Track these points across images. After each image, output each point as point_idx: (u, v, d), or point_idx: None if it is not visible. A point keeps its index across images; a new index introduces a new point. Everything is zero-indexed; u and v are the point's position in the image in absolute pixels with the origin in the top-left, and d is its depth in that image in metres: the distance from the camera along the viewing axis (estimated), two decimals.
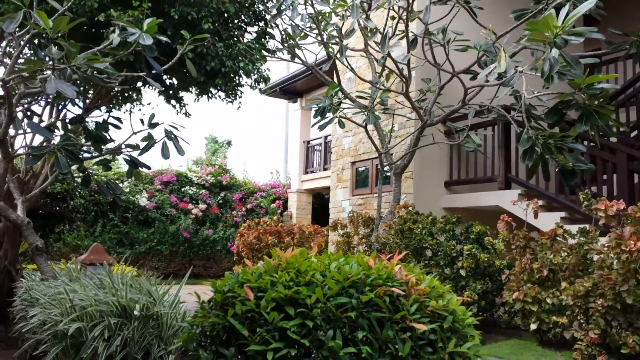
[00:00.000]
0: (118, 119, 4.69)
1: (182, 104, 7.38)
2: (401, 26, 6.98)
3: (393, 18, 6.94)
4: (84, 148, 4.73)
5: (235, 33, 6.56)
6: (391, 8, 6.60)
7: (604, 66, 9.53)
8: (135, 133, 4.66)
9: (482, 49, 6.31)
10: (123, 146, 4.66)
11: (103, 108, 6.80)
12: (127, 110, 7.47)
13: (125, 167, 4.83)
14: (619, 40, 5.97)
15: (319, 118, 6.86)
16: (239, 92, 7.15)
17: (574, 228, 5.94)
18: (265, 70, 7.10)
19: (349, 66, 7.42)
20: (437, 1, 6.54)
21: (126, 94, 7.37)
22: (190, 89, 7.07)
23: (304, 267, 2.66)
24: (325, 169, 14.51)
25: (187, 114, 7.35)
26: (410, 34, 6.73)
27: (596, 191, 6.91)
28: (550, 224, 6.19)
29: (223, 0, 6.01)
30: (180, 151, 4.26)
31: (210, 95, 7.11)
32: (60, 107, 6.66)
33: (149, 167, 4.62)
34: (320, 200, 15.78)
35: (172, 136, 4.35)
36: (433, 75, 7.56)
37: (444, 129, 8.38)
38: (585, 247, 5.48)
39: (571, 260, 5.47)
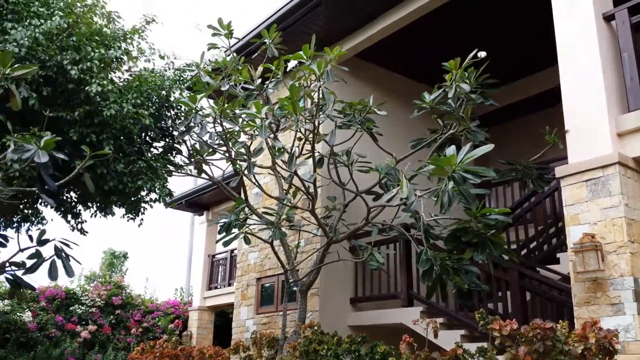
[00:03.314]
0: (4, 236, 4.34)
1: (78, 220, 7.01)
2: (308, 146, 7.25)
3: (300, 139, 7.21)
4: None
5: (141, 148, 6.50)
6: (298, 130, 6.87)
7: (494, 188, 10.29)
8: (21, 250, 4.31)
9: (384, 172, 6.67)
10: (7, 264, 4.28)
11: None
12: (14, 226, 7.01)
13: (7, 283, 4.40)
14: (505, 168, 6.59)
15: (224, 234, 6.76)
16: (141, 209, 6.94)
17: (473, 347, 6.02)
18: (167, 188, 6.99)
19: (256, 182, 7.49)
20: (342, 126, 6.91)
21: (24, 213, 6.94)
22: (89, 204, 6.78)
23: None
24: (229, 285, 14.09)
25: (83, 232, 6.97)
26: (316, 154, 6.98)
27: (493, 308, 7.15)
28: (452, 343, 6.26)
29: (127, 122, 6.02)
30: (70, 272, 3.97)
31: (108, 212, 6.84)
32: None
33: (33, 288, 4.25)
34: (223, 319, 15.11)
35: (63, 254, 4.07)
36: (338, 194, 7.79)
37: (349, 246, 8.50)
38: None
39: None
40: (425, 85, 9.29)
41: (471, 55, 5.63)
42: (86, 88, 5.78)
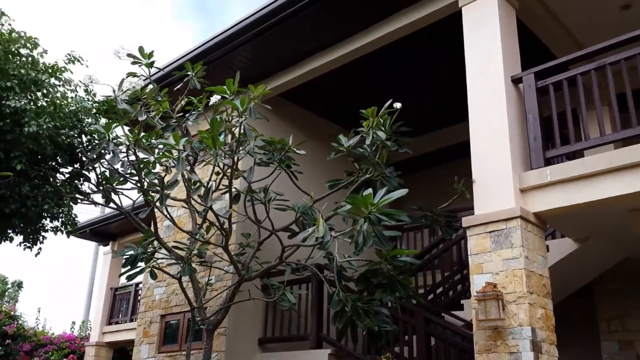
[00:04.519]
0: None
1: None
2: (225, 181, 7.14)
3: (218, 174, 7.08)
4: None
5: (48, 173, 6.17)
6: (217, 164, 6.76)
7: (405, 233, 10.58)
8: None
9: (300, 211, 6.68)
10: None
11: None
12: None
13: None
14: (416, 214, 6.80)
15: (129, 267, 6.44)
16: (40, 238, 6.51)
17: None
18: (72, 215, 6.64)
19: (168, 215, 7.24)
20: (261, 163, 6.88)
21: None
22: None
23: None
24: (132, 320, 13.38)
25: None
26: (233, 190, 6.88)
27: (399, 351, 7.25)
28: None
29: (42, 142, 5.76)
30: None
31: (5, 238, 6.36)
32: None
33: None
34: (122, 356, 14.28)
35: None
36: (253, 231, 7.68)
37: (261, 285, 8.36)
38: None
39: None
40: (344, 129, 9.50)
41: (387, 105, 5.82)
42: (7, 103, 5.57)
